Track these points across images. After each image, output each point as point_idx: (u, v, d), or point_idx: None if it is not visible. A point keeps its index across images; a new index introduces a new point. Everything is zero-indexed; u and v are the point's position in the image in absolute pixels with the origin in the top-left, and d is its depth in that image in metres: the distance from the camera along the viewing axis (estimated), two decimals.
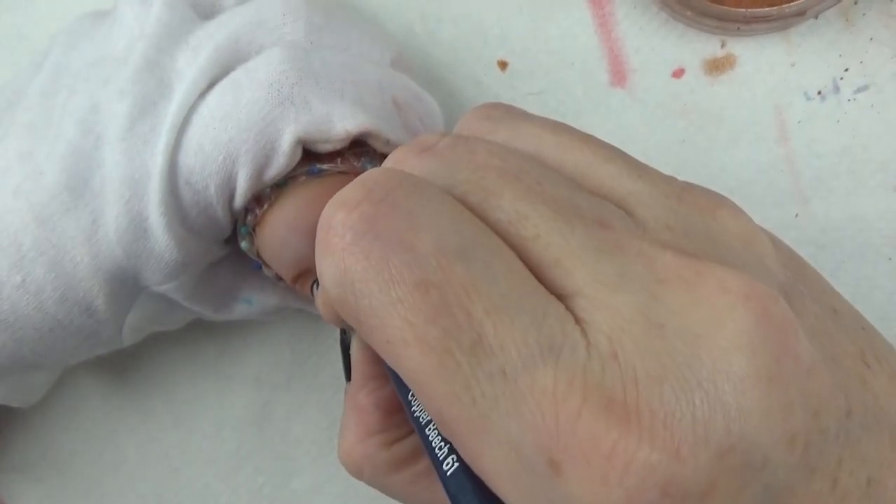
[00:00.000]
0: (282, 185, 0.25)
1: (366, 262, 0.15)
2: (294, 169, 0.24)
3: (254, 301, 0.29)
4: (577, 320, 0.15)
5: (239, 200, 0.24)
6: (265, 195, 0.25)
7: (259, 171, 0.24)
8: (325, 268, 0.16)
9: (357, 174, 0.19)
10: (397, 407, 0.20)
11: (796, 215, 0.30)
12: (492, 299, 0.14)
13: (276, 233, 0.24)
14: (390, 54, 0.27)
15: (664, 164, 0.19)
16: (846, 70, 0.29)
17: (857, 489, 0.15)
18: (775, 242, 0.18)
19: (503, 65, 0.31)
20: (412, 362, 0.14)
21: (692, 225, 0.16)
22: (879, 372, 0.16)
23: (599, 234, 0.15)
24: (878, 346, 0.17)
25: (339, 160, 0.25)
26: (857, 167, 0.30)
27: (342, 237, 0.15)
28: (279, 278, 0.27)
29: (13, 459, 0.35)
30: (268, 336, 0.34)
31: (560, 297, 0.15)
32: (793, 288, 0.16)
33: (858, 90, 0.29)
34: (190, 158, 0.23)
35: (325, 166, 0.25)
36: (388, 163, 0.19)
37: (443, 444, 0.16)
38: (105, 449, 0.35)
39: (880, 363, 0.16)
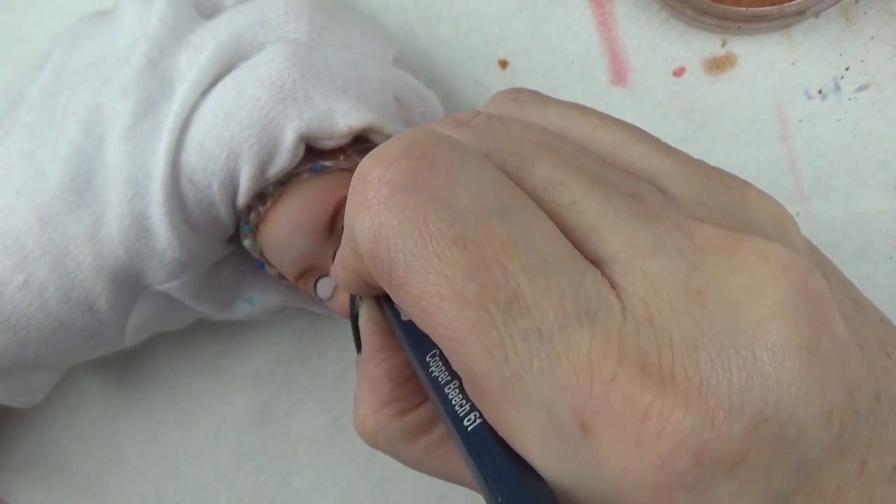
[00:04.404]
0: (285, 182, 0.24)
1: (402, 216, 0.15)
2: (297, 166, 0.24)
3: (256, 300, 0.29)
4: (613, 285, 0.14)
5: (242, 198, 0.24)
6: (268, 193, 0.25)
7: (262, 168, 0.24)
8: (359, 222, 0.15)
9: None
10: (408, 377, 0.20)
11: (797, 214, 0.30)
12: (529, 260, 0.14)
13: (279, 230, 0.24)
14: (392, 53, 0.27)
15: None
16: (847, 69, 0.29)
17: (882, 474, 0.15)
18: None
19: (503, 64, 0.31)
20: (446, 317, 0.14)
21: (724, 202, 0.16)
22: None
23: (635, 205, 0.15)
24: (895, 337, 0.17)
25: (341, 157, 0.25)
26: (857, 166, 0.30)
27: (379, 191, 0.15)
28: (282, 277, 0.27)
29: (13, 459, 0.35)
30: (269, 335, 0.34)
31: (595, 262, 0.15)
32: (820, 269, 0.16)
33: (859, 89, 0.29)
34: (192, 157, 0.23)
35: (327, 163, 0.25)
36: None
37: (464, 401, 0.16)
38: (105, 448, 0.35)
39: None
